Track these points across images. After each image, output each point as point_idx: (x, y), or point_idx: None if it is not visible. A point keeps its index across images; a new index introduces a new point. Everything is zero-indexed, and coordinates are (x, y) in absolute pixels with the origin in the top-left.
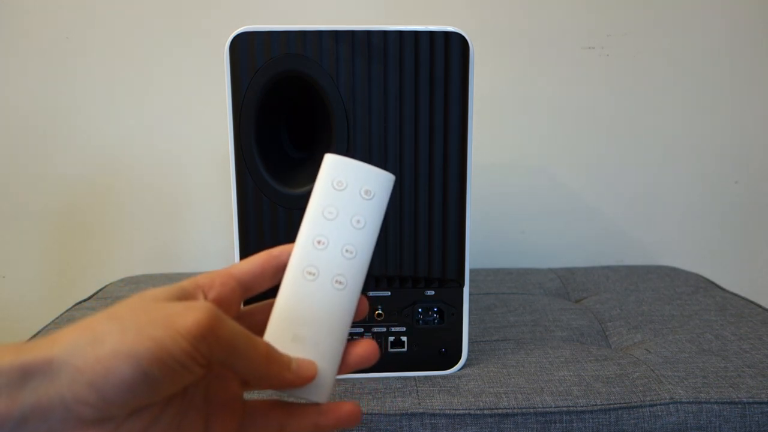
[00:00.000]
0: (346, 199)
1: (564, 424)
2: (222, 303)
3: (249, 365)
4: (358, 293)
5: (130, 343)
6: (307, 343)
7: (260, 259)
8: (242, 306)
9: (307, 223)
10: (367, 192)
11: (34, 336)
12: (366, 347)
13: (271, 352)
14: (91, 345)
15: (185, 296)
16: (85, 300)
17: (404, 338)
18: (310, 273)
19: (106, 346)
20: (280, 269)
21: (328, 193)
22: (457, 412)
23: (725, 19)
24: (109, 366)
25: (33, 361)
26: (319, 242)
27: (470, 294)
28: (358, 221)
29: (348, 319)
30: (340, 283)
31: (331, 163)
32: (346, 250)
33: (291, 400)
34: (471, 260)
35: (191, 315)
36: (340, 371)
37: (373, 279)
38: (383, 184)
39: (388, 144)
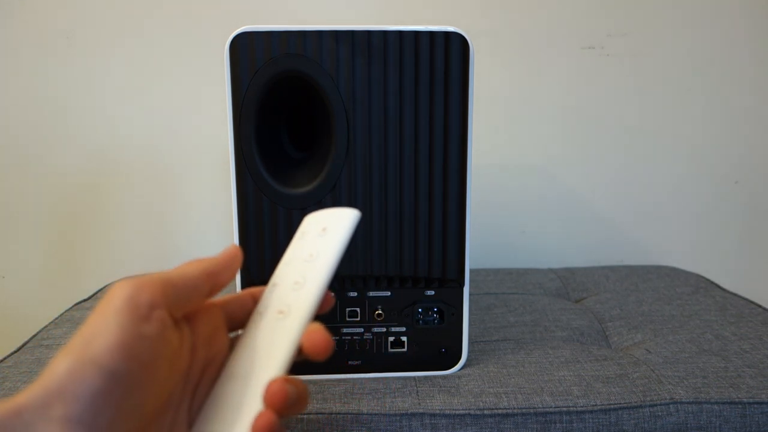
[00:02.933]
0: (304, 242)
1: (564, 424)
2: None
3: (190, 281)
4: (305, 319)
5: (78, 355)
6: (238, 376)
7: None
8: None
9: (276, 270)
10: (323, 230)
11: (34, 336)
12: (316, 338)
13: (206, 265)
14: (47, 383)
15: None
16: (85, 300)
17: (404, 338)
18: (258, 313)
19: (61, 372)
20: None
21: (293, 245)
22: (457, 412)
23: (725, 19)
24: (72, 389)
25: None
26: (274, 285)
27: (470, 294)
28: (311, 255)
29: (289, 345)
30: (282, 312)
31: (304, 221)
32: (296, 282)
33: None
34: (471, 260)
35: (111, 292)
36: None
37: (373, 279)
38: (341, 219)
39: (388, 144)
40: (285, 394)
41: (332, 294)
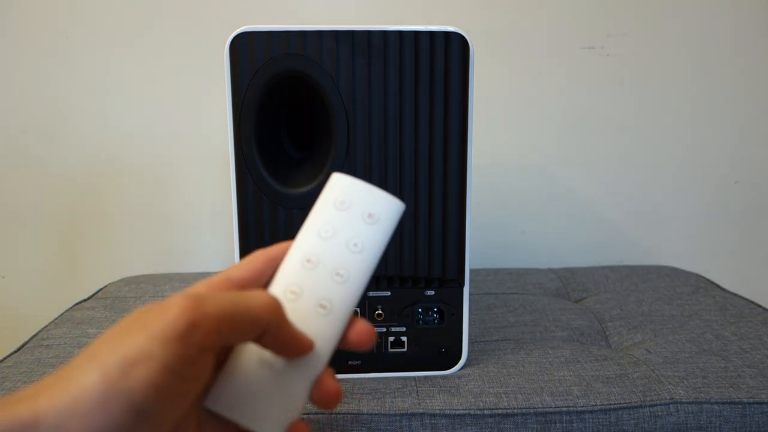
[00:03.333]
0: (346, 220)
1: (564, 424)
2: None
3: (254, 321)
4: (345, 320)
5: (113, 383)
6: (275, 368)
7: (258, 262)
8: None
9: (299, 239)
10: (370, 216)
11: (34, 336)
12: (361, 331)
13: (273, 300)
14: (74, 402)
15: None
16: (85, 300)
17: (404, 338)
18: (292, 292)
19: (92, 396)
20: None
21: (328, 211)
22: (457, 412)
23: (725, 19)
24: (100, 419)
25: (16, 423)
26: (308, 261)
27: (470, 294)
28: (356, 245)
29: (329, 346)
30: (324, 307)
31: (337, 182)
32: (337, 274)
33: None
34: (471, 260)
35: (168, 313)
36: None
37: (374, 279)
38: (390, 210)
39: (388, 144)
40: (338, 392)
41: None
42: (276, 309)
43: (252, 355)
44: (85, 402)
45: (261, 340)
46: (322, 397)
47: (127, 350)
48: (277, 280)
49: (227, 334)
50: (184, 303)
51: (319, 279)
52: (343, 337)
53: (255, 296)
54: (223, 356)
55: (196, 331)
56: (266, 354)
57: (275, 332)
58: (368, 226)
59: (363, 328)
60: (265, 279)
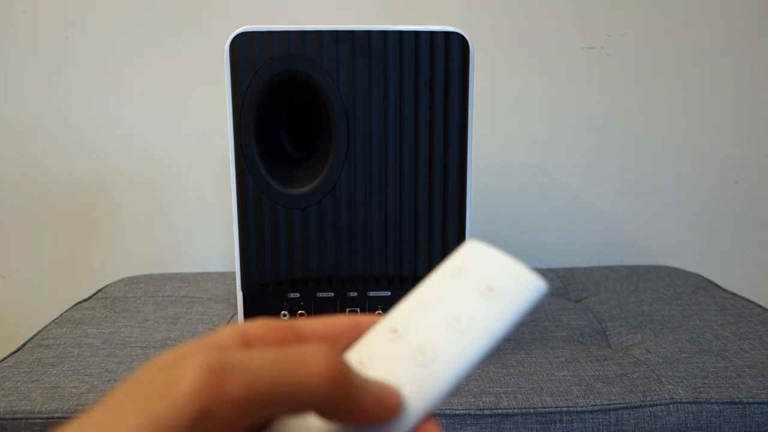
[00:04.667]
0: (456, 289)
1: (564, 424)
2: None
3: (304, 398)
4: (418, 414)
5: None
6: None
7: (340, 322)
8: None
9: (395, 307)
10: (490, 288)
11: (34, 336)
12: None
13: (337, 366)
14: None
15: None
16: (85, 300)
17: None
18: (360, 362)
19: None
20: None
21: (439, 278)
22: (457, 412)
23: (725, 19)
24: None
25: None
26: (393, 330)
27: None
28: (458, 320)
29: None
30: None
31: (464, 248)
32: (420, 352)
33: None
34: None
35: (175, 390)
36: None
37: (374, 279)
38: (521, 287)
39: (388, 144)
40: None
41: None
42: (338, 379)
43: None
44: None
45: (317, 413)
46: None
47: (130, 421)
48: (353, 348)
49: (261, 414)
50: (199, 378)
51: (396, 354)
52: None
53: (306, 360)
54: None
55: (211, 420)
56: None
57: (337, 409)
58: (483, 301)
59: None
60: (342, 345)
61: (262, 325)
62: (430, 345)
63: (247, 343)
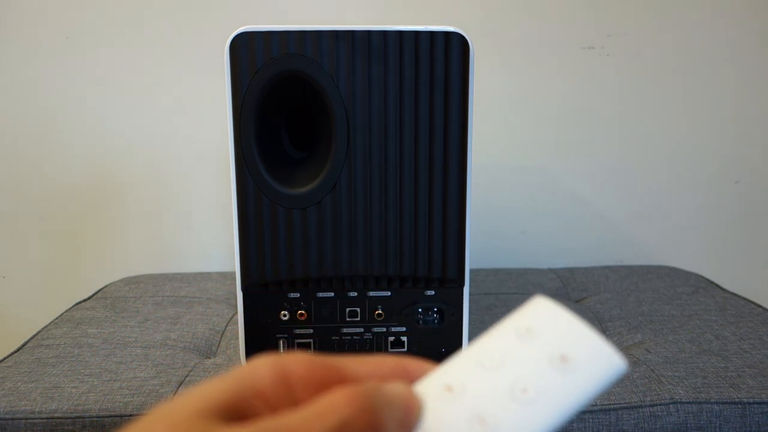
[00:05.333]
0: (524, 353)
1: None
2: None
3: None
4: None
5: None
6: None
7: (388, 364)
8: None
9: (453, 359)
10: (563, 359)
11: (34, 336)
12: None
13: (360, 399)
14: None
15: (238, 412)
16: (85, 300)
17: (404, 338)
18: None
19: None
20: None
21: (505, 336)
22: None
23: (725, 18)
24: None
25: None
26: (449, 388)
27: (470, 294)
28: (525, 390)
29: None
30: None
31: (533, 305)
32: (479, 420)
33: None
34: (471, 260)
35: None
36: None
37: (373, 279)
38: (598, 363)
39: (388, 144)
40: None
41: None
42: (364, 412)
43: None
44: None
45: None
46: None
47: None
48: None
49: None
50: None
51: (452, 418)
52: None
53: (328, 407)
54: None
55: None
56: None
57: None
58: (554, 372)
59: None
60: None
61: (303, 362)
62: (491, 414)
63: (287, 383)
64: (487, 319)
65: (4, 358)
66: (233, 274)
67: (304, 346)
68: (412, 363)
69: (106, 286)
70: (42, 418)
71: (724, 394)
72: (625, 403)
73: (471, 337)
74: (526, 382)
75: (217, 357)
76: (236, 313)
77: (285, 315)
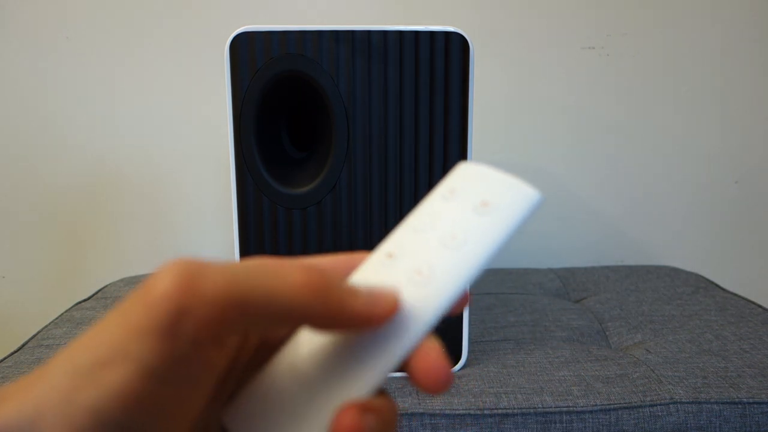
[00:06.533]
0: (450, 209)
1: (564, 424)
2: None
3: (282, 306)
4: (419, 333)
5: (76, 390)
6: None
7: (342, 258)
8: None
9: (391, 234)
10: (484, 204)
11: (34, 336)
12: (429, 365)
13: (314, 275)
14: (35, 413)
15: None
16: (85, 300)
17: None
18: None
19: (55, 407)
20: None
21: (433, 202)
22: (457, 412)
23: (725, 18)
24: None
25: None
26: (389, 255)
27: (470, 294)
28: (454, 237)
29: (390, 358)
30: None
31: (456, 170)
32: (417, 272)
33: None
34: None
35: (151, 295)
36: None
37: None
38: (514, 197)
39: (388, 144)
40: (444, 372)
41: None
42: (316, 285)
43: (298, 348)
44: (48, 414)
45: (309, 325)
46: (423, 374)
47: (99, 349)
48: (350, 277)
49: (240, 323)
50: (171, 281)
51: (393, 277)
52: (408, 365)
53: (284, 269)
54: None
55: (186, 319)
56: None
57: (325, 317)
58: (478, 217)
59: (434, 367)
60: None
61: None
62: (426, 264)
63: None
64: (487, 319)
65: (4, 358)
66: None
67: None
68: (363, 254)
69: (106, 286)
70: None
71: (724, 394)
72: (625, 403)
73: (471, 337)
74: (454, 230)
75: None
76: None
77: None
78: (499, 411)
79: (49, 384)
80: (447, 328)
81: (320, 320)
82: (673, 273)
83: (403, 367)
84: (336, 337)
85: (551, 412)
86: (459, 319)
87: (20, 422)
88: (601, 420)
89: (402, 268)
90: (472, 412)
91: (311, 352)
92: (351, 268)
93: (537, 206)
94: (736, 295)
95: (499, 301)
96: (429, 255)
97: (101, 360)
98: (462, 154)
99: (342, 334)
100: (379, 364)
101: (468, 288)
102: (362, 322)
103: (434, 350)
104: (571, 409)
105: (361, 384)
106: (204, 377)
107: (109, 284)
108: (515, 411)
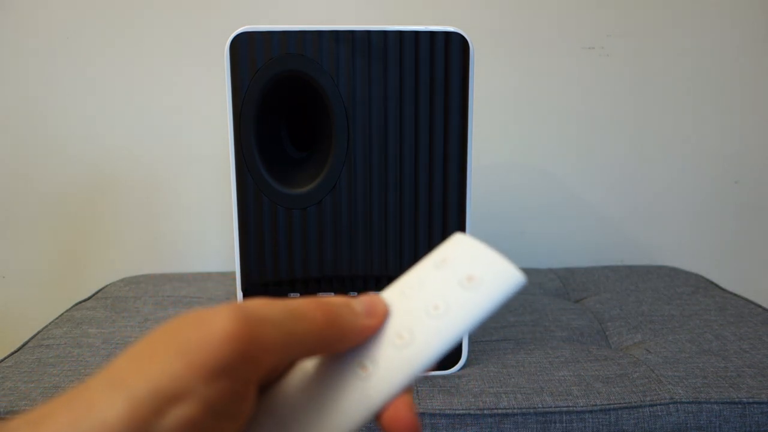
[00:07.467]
0: (437, 279)
1: (564, 424)
2: None
3: (312, 344)
4: (388, 393)
5: (143, 421)
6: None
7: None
8: None
9: (384, 293)
10: (470, 279)
11: (34, 336)
12: (399, 423)
13: (327, 310)
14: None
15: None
16: (85, 300)
17: None
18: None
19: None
20: None
21: (424, 269)
22: (457, 412)
23: (725, 18)
24: None
25: None
26: None
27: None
28: (436, 307)
29: (361, 413)
30: (365, 369)
31: (450, 241)
32: (399, 336)
33: None
34: None
35: (213, 335)
36: None
37: (374, 279)
38: (499, 277)
39: (388, 144)
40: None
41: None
42: (332, 322)
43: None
44: None
45: (327, 351)
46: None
47: (161, 380)
48: None
49: (279, 363)
50: (233, 326)
51: (378, 339)
52: (381, 417)
53: (310, 315)
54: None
55: (249, 365)
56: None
57: (339, 338)
58: (462, 291)
59: (403, 420)
60: None
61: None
62: (408, 329)
63: None
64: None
65: (5, 358)
66: (233, 274)
67: None
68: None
69: (106, 286)
70: None
71: (724, 394)
72: (625, 403)
73: (471, 337)
74: (438, 300)
75: None
76: None
77: None
78: (499, 411)
79: (103, 409)
80: None
81: (339, 345)
82: (673, 273)
83: (377, 418)
84: (315, 391)
85: (551, 412)
86: None
87: None
88: (601, 420)
89: (387, 332)
90: (472, 412)
91: (293, 402)
92: None
93: (519, 287)
94: (736, 295)
95: None
96: (412, 321)
97: (166, 394)
98: (462, 154)
99: (328, 385)
100: (354, 415)
101: (444, 352)
102: (369, 334)
103: (406, 405)
104: (571, 409)
105: (345, 420)
106: (246, 411)
107: (109, 284)
108: (515, 411)
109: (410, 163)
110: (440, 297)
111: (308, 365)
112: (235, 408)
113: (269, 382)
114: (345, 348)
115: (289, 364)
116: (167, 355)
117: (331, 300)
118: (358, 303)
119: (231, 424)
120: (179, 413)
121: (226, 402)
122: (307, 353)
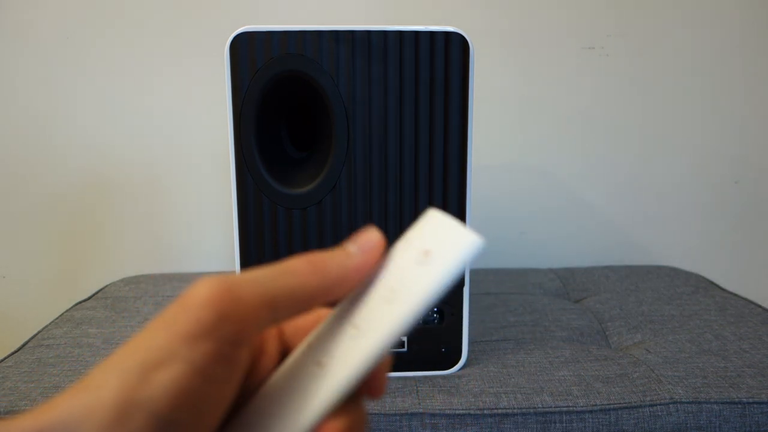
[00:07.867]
0: (398, 260)
1: (564, 424)
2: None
3: (300, 299)
4: (343, 386)
5: (131, 391)
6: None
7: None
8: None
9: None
10: (426, 253)
11: (34, 336)
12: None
13: (314, 260)
14: (86, 414)
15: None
16: (85, 300)
17: (404, 338)
18: (308, 344)
19: (107, 407)
20: None
21: (394, 251)
22: (457, 412)
23: (725, 18)
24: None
25: None
26: (336, 314)
27: (470, 294)
28: (393, 290)
29: (310, 413)
30: (320, 365)
31: (421, 220)
32: (354, 325)
33: None
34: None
35: (192, 304)
36: None
37: None
38: (454, 246)
39: (388, 144)
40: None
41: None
42: (319, 271)
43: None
44: (99, 414)
45: (326, 302)
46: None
47: (148, 352)
48: (311, 340)
49: (270, 320)
50: (210, 290)
51: (333, 333)
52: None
53: (293, 269)
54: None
55: (228, 322)
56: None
57: (338, 282)
58: (417, 267)
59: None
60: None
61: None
62: (364, 319)
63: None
64: (487, 319)
65: (5, 358)
66: (233, 274)
67: None
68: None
69: (106, 286)
70: None
71: (723, 394)
72: (625, 403)
73: (471, 337)
74: (394, 283)
75: None
76: None
77: None
78: (499, 411)
79: (98, 386)
80: (447, 328)
81: (334, 291)
82: (673, 273)
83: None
84: (286, 380)
85: (551, 412)
86: (459, 319)
87: (70, 423)
88: (601, 420)
89: (345, 322)
90: (472, 412)
91: (269, 398)
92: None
93: (477, 251)
94: (735, 295)
95: (499, 301)
96: (369, 310)
97: (151, 362)
98: (462, 154)
99: (291, 386)
100: (310, 413)
101: (400, 337)
102: (365, 270)
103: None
104: (571, 409)
105: (303, 419)
106: (237, 375)
107: (109, 284)
108: (515, 411)
109: (410, 163)
110: (397, 279)
111: (289, 359)
112: (226, 371)
113: (271, 363)
114: (344, 293)
115: (288, 347)
116: (154, 330)
117: (324, 251)
118: (352, 243)
119: (224, 386)
120: (165, 377)
121: (212, 364)
122: (302, 306)
